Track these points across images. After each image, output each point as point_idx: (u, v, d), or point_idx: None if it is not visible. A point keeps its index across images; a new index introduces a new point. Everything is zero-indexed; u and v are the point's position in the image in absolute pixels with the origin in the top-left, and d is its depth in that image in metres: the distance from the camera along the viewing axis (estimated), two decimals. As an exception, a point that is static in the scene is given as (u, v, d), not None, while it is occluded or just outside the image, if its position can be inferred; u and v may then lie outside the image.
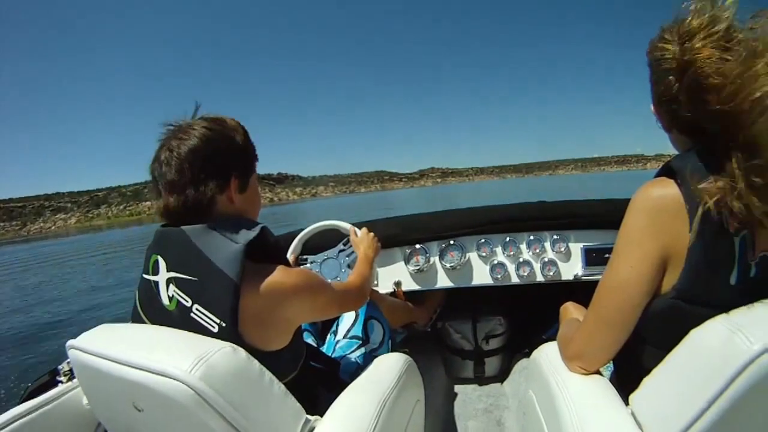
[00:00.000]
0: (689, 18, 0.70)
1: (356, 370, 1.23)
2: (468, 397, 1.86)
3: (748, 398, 0.55)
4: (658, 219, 0.72)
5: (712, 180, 0.66)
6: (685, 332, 0.66)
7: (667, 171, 0.75)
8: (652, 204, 0.74)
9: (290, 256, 1.68)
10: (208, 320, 0.80)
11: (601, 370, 0.85)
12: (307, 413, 0.84)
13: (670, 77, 0.73)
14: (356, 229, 1.57)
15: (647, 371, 0.72)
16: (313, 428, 0.82)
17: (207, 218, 0.88)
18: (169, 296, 0.84)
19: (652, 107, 0.84)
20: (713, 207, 0.65)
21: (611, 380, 0.90)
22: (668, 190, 0.72)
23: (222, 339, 0.77)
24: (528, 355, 1.23)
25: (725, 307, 0.65)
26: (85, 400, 0.91)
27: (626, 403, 0.75)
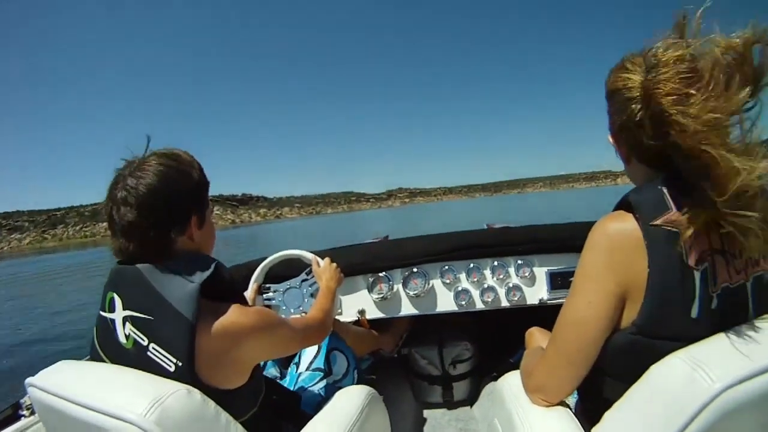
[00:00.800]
0: (656, 48, 0.70)
1: (319, 402, 1.20)
2: (437, 422, 1.86)
3: None
4: (615, 254, 0.72)
5: (671, 214, 0.67)
6: (647, 366, 0.66)
7: (625, 205, 0.74)
8: (610, 239, 0.73)
9: (253, 284, 1.65)
10: (164, 360, 0.79)
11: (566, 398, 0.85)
12: None
13: (633, 105, 0.73)
14: (318, 259, 1.54)
15: (610, 403, 0.72)
16: None
17: (165, 257, 0.87)
18: (125, 334, 0.83)
19: (609, 138, 0.85)
20: (672, 241, 0.66)
21: (576, 408, 0.93)
22: (626, 224, 0.72)
23: (179, 379, 0.78)
24: (496, 378, 1.19)
25: (687, 340, 0.65)
26: None
27: None
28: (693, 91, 0.64)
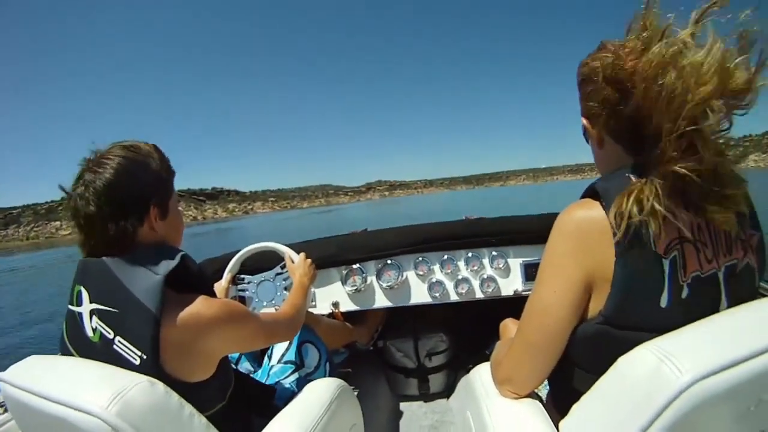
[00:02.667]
0: (642, 29, 0.69)
1: (291, 395, 1.18)
2: (414, 414, 1.85)
3: (680, 430, 0.55)
4: (581, 242, 0.71)
5: (628, 201, 0.65)
6: (615, 357, 0.64)
7: (592, 193, 0.74)
8: (576, 227, 0.72)
9: (227, 274, 1.62)
10: (129, 352, 0.80)
11: (538, 388, 0.85)
12: None
13: (618, 83, 0.72)
14: (293, 254, 1.53)
15: (579, 394, 0.71)
16: None
17: (128, 249, 0.87)
18: (92, 328, 0.83)
19: (584, 121, 0.83)
20: (640, 229, 0.65)
21: (547, 399, 0.92)
22: (593, 212, 0.71)
23: (144, 371, 0.78)
24: (471, 370, 1.20)
25: (656, 331, 0.64)
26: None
27: (558, 426, 0.74)
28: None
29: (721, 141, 0.66)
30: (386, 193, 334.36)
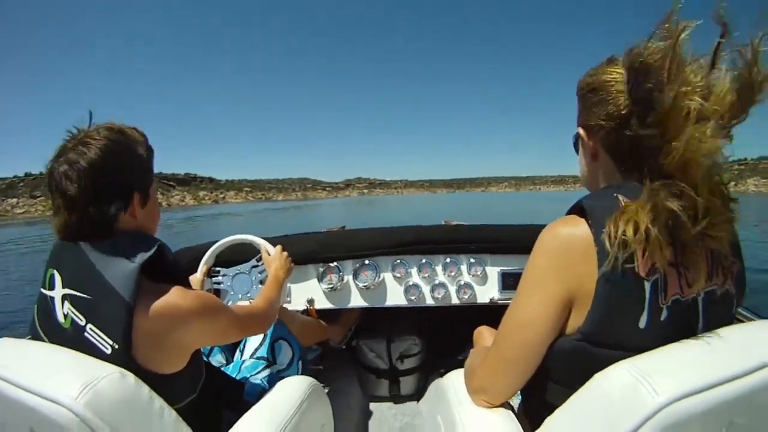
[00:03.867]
0: (652, 52, 0.68)
1: (261, 392, 1.18)
2: (383, 415, 1.85)
3: None
4: (564, 259, 0.71)
5: (624, 223, 0.65)
6: (591, 373, 0.65)
7: (578, 210, 0.73)
8: (559, 243, 0.72)
9: (202, 266, 1.59)
10: (101, 341, 0.78)
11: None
12: None
13: (621, 98, 0.73)
14: (269, 246, 1.51)
15: (553, 407, 0.71)
16: None
17: (107, 234, 0.85)
18: (64, 313, 0.81)
19: (580, 130, 0.83)
20: (624, 250, 0.65)
21: (519, 409, 0.93)
22: (578, 229, 0.71)
23: (115, 361, 0.77)
24: (443, 375, 1.17)
25: (633, 350, 0.65)
26: None
27: None
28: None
29: (719, 165, 0.66)
30: (365, 190, 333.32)
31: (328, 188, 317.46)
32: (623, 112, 0.73)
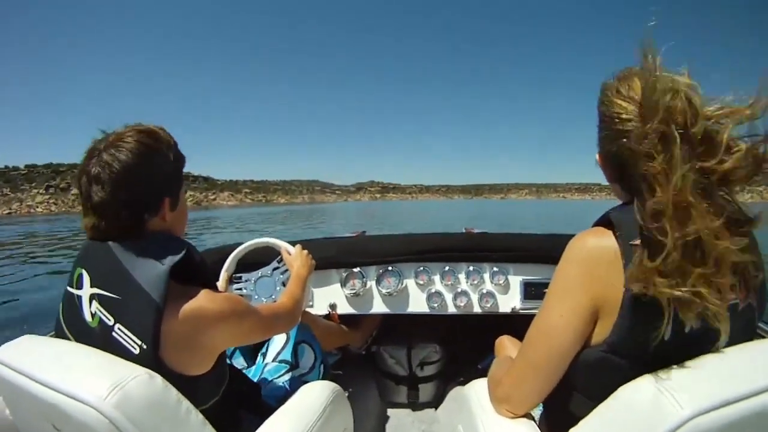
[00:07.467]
0: (652, 92, 0.67)
1: (284, 395, 1.19)
2: (401, 422, 1.84)
3: None
4: (592, 270, 0.72)
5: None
6: (615, 385, 0.66)
7: (606, 222, 0.74)
8: (587, 254, 0.73)
9: (224, 273, 1.61)
10: (129, 341, 0.79)
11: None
12: None
13: (624, 140, 0.71)
14: (289, 247, 1.52)
15: (575, 418, 0.72)
16: None
17: (137, 236, 0.86)
18: (91, 313, 0.82)
19: (597, 156, 0.83)
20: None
21: (540, 420, 0.93)
22: (605, 240, 0.72)
23: (142, 362, 0.77)
24: (463, 383, 1.21)
25: (657, 363, 0.65)
26: (8, 412, 0.90)
27: None
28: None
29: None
30: (377, 195, 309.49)
31: (337, 191, 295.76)
32: (628, 150, 0.70)
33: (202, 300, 0.84)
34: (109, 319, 0.79)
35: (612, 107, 0.74)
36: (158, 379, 0.74)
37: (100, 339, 0.80)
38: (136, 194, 0.84)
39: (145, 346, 0.77)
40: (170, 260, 0.81)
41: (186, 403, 0.77)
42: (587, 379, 0.74)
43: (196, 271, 0.87)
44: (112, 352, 0.78)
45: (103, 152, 0.83)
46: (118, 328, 0.78)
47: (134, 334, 0.78)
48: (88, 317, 0.81)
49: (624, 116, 0.72)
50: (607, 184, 0.86)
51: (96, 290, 0.81)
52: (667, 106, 0.65)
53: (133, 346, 0.78)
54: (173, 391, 0.76)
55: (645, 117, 0.67)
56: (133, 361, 0.76)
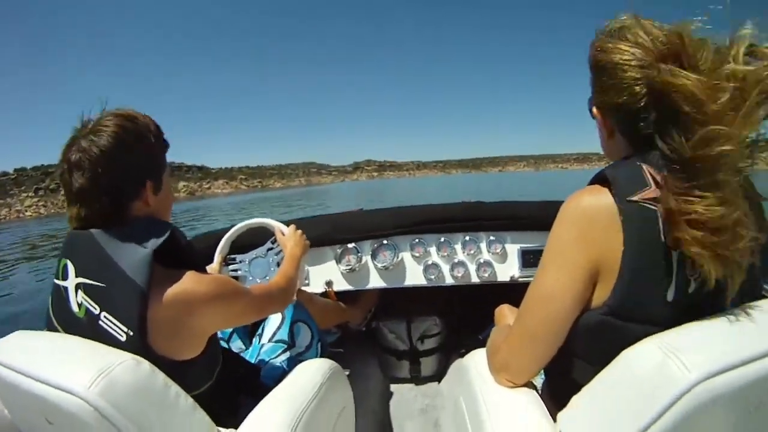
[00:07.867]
0: (669, 34, 0.65)
1: (281, 375, 1.17)
2: (404, 397, 1.84)
3: (682, 429, 0.54)
4: (588, 229, 0.69)
5: (649, 191, 0.64)
6: (618, 349, 0.64)
7: (602, 179, 0.71)
8: (583, 213, 0.70)
9: (218, 256, 1.61)
10: (116, 329, 0.78)
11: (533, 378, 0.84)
12: (228, 422, 0.84)
13: (637, 88, 0.68)
14: (283, 227, 1.52)
15: (578, 385, 0.70)
16: None
17: (119, 223, 0.85)
18: (78, 303, 0.82)
19: (594, 109, 0.80)
20: (650, 219, 0.63)
21: (543, 389, 0.91)
22: (601, 198, 0.68)
23: (130, 348, 0.76)
24: (464, 355, 1.17)
25: (661, 325, 0.63)
26: (6, 411, 0.90)
27: (554, 417, 0.73)
28: (719, 95, 0.60)
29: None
30: (375, 174, 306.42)
31: (334, 172, 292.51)
32: (641, 105, 0.68)
33: (188, 282, 0.83)
34: (95, 308, 0.79)
35: (615, 53, 0.69)
36: (145, 364, 0.73)
37: (88, 329, 0.79)
38: (116, 179, 0.83)
39: (131, 333, 0.77)
40: (153, 243, 0.80)
41: (175, 388, 0.76)
42: (588, 344, 0.71)
43: (182, 254, 0.86)
44: (100, 342, 0.77)
45: (81, 139, 0.83)
46: (104, 317, 0.78)
47: (120, 322, 0.77)
48: (75, 308, 0.81)
49: (634, 63, 0.67)
50: (598, 152, 0.81)
51: (81, 279, 0.81)
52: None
53: (120, 334, 0.77)
54: (161, 376, 0.74)
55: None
56: (121, 349, 0.75)
